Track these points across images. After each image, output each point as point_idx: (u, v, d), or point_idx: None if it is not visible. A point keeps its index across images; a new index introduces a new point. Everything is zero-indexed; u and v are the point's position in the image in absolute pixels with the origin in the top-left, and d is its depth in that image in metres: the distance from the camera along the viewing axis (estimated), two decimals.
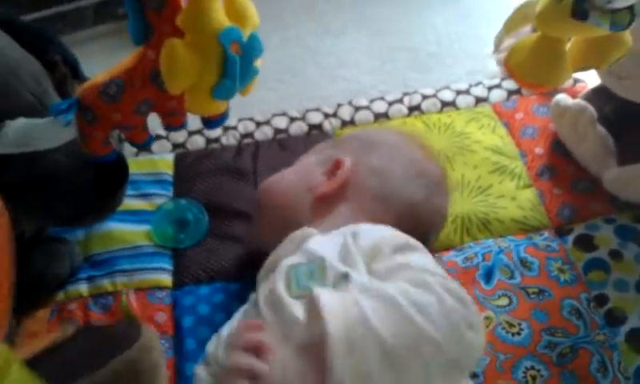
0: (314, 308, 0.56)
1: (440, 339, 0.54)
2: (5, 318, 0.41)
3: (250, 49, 0.58)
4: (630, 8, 0.58)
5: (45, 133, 0.59)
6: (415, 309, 0.55)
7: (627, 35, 0.65)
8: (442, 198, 0.82)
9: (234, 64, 0.56)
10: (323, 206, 0.76)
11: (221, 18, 0.56)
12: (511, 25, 0.66)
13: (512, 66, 0.67)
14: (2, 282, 0.39)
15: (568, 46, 0.68)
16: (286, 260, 0.66)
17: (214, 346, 0.68)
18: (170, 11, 0.57)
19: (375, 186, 0.77)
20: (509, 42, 0.68)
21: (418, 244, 0.67)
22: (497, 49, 0.67)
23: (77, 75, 0.75)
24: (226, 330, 0.70)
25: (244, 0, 0.59)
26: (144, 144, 0.66)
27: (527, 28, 0.71)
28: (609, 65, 0.69)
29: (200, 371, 0.68)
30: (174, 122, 0.64)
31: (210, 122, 0.65)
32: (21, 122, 0.59)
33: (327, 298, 0.55)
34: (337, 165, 0.78)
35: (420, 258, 0.65)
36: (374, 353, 0.52)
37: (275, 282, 0.64)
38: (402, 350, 0.53)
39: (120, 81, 0.60)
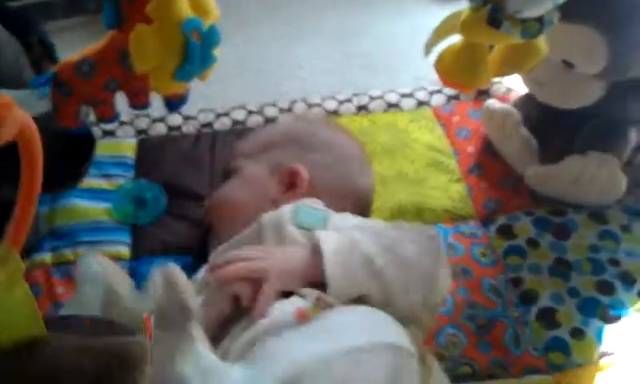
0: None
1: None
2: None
3: (210, 37, 0.66)
4: (540, 18, 0.68)
5: (23, 103, 0.65)
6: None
7: (542, 44, 0.74)
8: (371, 174, 0.93)
9: (195, 50, 0.64)
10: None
11: (184, 9, 0.65)
12: (440, 32, 0.75)
13: (440, 69, 0.76)
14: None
15: (491, 53, 0.77)
16: None
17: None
18: (140, 1, 0.65)
19: (332, 182, 0.85)
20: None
21: None
22: (427, 53, 0.76)
23: (52, 57, 0.82)
24: None
25: None
26: (111, 119, 0.73)
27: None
28: (527, 71, 0.78)
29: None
30: (138, 100, 0.71)
31: (171, 104, 0.73)
32: (1, 91, 0.66)
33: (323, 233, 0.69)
34: (292, 175, 0.83)
35: None
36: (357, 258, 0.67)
37: (282, 209, 0.75)
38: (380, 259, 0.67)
39: (92, 60, 0.67)
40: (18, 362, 0.44)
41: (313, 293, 0.63)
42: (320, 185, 0.84)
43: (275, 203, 0.81)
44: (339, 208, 0.81)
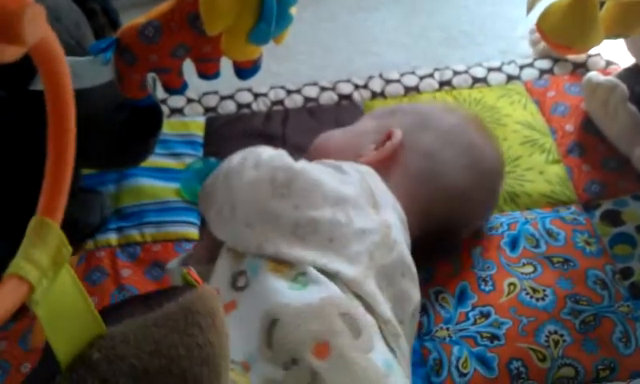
0: None
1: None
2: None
3: None
4: None
5: (84, 71, 0.61)
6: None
7: None
8: (493, 185, 0.82)
9: (271, 7, 0.57)
10: None
11: None
12: None
13: (544, 28, 0.67)
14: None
15: (602, 11, 0.67)
16: None
17: None
18: None
19: (419, 167, 0.76)
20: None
21: None
22: (529, 10, 0.67)
23: (116, 26, 0.77)
24: None
25: None
26: (179, 90, 0.67)
27: None
28: None
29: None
30: (208, 68, 0.65)
31: (243, 72, 0.66)
32: None
33: None
34: (388, 136, 0.78)
35: None
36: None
37: None
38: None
39: (158, 23, 0.61)
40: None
41: None
42: (406, 160, 0.76)
43: (357, 158, 0.75)
44: (410, 190, 0.73)
